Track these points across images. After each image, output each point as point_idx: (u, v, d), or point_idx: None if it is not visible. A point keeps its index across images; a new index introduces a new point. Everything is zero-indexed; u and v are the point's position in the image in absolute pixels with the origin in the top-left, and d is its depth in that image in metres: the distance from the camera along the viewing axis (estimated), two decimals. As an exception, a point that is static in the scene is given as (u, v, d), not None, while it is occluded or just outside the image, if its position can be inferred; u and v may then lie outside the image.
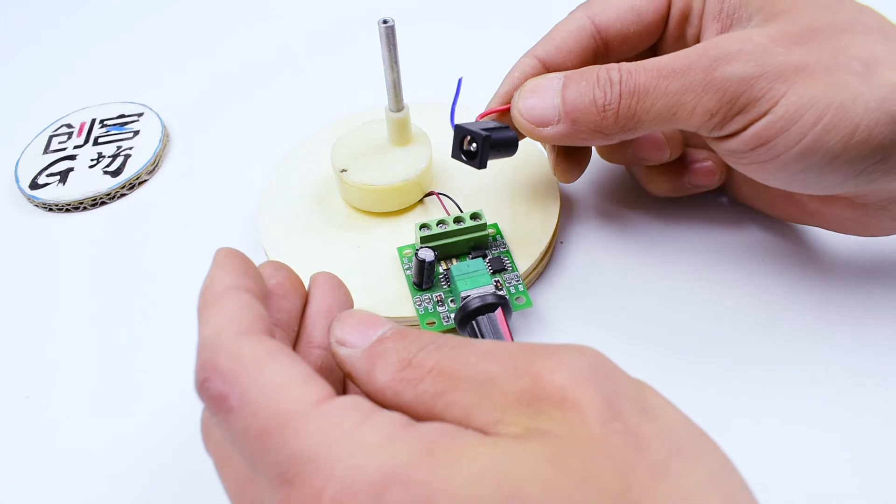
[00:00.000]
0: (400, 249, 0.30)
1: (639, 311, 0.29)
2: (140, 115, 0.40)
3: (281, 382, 0.16)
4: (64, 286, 0.33)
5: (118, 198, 0.37)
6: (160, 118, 0.40)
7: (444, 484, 0.14)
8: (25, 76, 0.46)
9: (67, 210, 0.36)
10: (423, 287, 0.28)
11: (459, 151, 0.27)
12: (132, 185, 0.37)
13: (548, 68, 0.28)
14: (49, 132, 0.40)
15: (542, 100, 0.26)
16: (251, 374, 0.16)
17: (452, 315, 0.28)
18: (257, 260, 0.31)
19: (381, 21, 0.27)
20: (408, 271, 0.29)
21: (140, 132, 0.39)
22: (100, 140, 0.39)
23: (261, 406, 0.16)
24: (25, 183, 0.37)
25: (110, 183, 0.37)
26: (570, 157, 0.30)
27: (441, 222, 0.29)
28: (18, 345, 0.31)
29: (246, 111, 0.41)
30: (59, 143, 0.39)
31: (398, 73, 0.29)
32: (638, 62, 0.24)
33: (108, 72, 0.45)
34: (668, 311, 0.29)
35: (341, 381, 0.22)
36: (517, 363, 0.16)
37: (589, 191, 0.34)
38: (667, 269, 0.31)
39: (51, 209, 0.36)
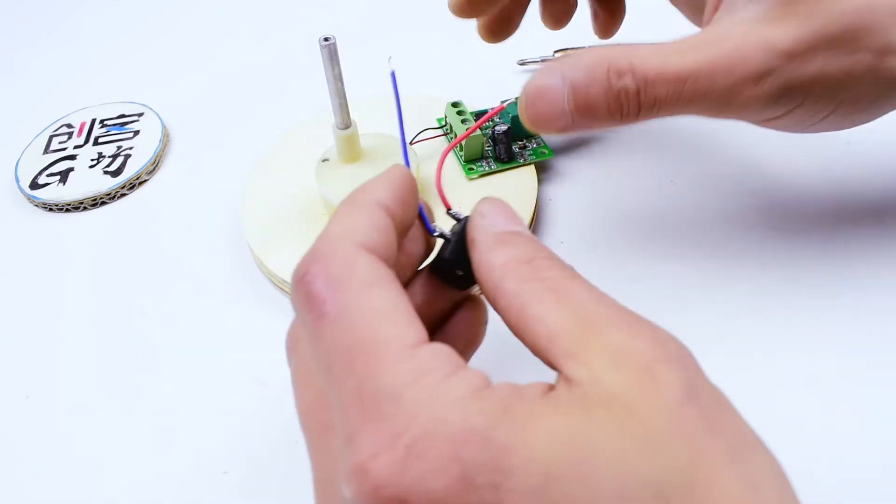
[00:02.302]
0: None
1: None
2: (140, 115, 0.40)
3: (384, 310, 0.16)
4: (64, 286, 0.33)
5: (118, 198, 0.37)
6: (160, 118, 0.40)
7: (520, 445, 0.14)
8: (26, 76, 0.46)
9: (67, 210, 0.36)
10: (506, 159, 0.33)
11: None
12: (132, 185, 0.37)
13: None
14: (49, 132, 0.40)
15: (552, 107, 0.24)
16: (357, 290, 0.16)
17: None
18: (247, 260, 0.32)
19: (322, 39, 0.26)
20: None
21: (140, 132, 0.39)
22: (100, 140, 0.39)
23: (357, 325, 0.16)
24: (25, 183, 0.37)
25: (110, 183, 0.37)
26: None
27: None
28: (18, 345, 0.31)
29: (246, 111, 0.41)
30: (60, 143, 0.39)
31: (343, 89, 0.29)
32: (652, 60, 0.23)
33: (108, 72, 0.45)
34: (672, 314, 0.29)
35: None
36: (615, 321, 0.16)
37: (590, 192, 0.34)
38: (669, 272, 0.31)
39: (51, 209, 0.36)
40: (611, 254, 0.32)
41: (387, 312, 0.16)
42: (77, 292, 0.32)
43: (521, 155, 0.34)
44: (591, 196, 0.34)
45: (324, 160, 0.31)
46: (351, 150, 0.31)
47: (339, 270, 0.16)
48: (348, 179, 0.31)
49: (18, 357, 0.30)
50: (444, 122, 0.35)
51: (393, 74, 0.23)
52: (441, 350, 0.16)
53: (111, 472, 0.26)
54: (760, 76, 0.22)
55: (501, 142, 0.33)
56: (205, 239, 0.34)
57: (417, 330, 0.16)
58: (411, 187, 0.20)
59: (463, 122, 0.34)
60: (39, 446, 0.27)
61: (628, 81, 0.23)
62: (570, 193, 0.34)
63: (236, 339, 0.30)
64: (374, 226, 0.18)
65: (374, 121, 0.33)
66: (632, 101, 0.23)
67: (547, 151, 0.34)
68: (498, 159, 0.33)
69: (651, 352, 0.16)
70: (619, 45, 0.24)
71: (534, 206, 0.32)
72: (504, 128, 0.33)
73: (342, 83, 0.28)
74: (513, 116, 0.33)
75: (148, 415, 0.28)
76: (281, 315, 0.31)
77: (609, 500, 0.14)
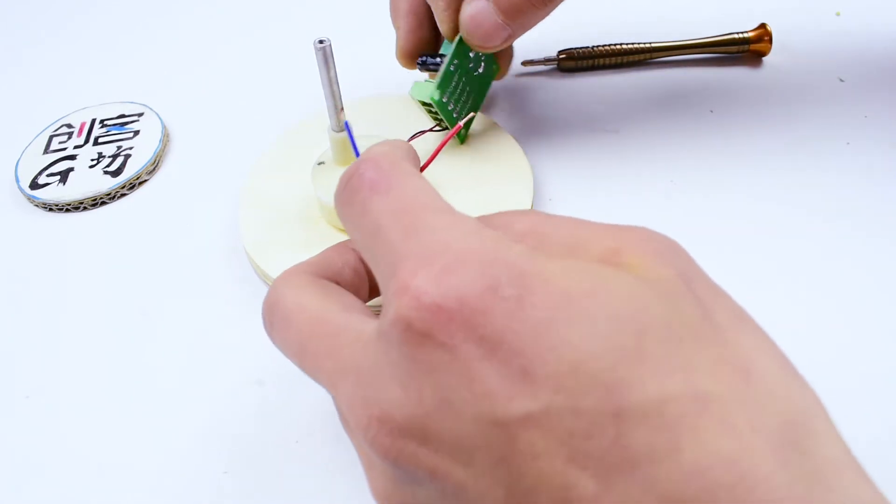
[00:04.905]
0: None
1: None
2: (140, 115, 0.40)
3: (427, 190, 0.19)
4: (64, 286, 0.33)
5: (118, 198, 0.37)
6: (160, 118, 0.40)
7: (540, 272, 0.16)
8: (26, 76, 0.46)
9: (67, 210, 0.36)
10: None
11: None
12: (132, 185, 0.37)
13: None
14: (49, 132, 0.40)
15: (488, 25, 0.30)
16: (404, 176, 0.19)
17: None
18: (247, 260, 0.32)
19: (317, 41, 0.26)
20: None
21: (140, 132, 0.39)
22: (100, 140, 0.39)
23: (405, 196, 0.18)
24: (25, 183, 0.37)
25: (110, 183, 0.37)
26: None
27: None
28: (18, 345, 0.31)
29: (247, 111, 0.41)
30: (60, 143, 0.39)
31: (338, 91, 0.28)
32: None
33: (108, 72, 0.45)
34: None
35: None
36: (607, 229, 0.18)
37: (590, 192, 0.34)
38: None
39: (51, 209, 0.37)
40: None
41: (429, 191, 0.19)
42: (77, 292, 0.33)
43: (478, 72, 0.34)
44: (590, 196, 0.34)
45: (319, 163, 0.31)
46: (346, 152, 0.31)
47: (388, 165, 0.19)
48: None
49: (18, 357, 0.30)
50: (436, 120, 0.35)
51: (347, 125, 0.28)
52: (474, 218, 0.18)
53: (111, 472, 0.26)
54: None
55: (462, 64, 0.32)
56: (205, 239, 0.34)
57: (453, 205, 0.19)
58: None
59: (438, 113, 0.33)
60: (39, 446, 0.27)
61: None
62: (570, 193, 0.34)
63: (236, 339, 0.30)
64: (407, 152, 0.21)
65: (369, 123, 0.33)
66: None
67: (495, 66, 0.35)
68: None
69: (645, 250, 0.17)
70: None
71: (531, 206, 0.32)
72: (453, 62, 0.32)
73: (337, 86, 0.28)
74: (456, 46, 0.32)
75: (148, 415, 0.28)
76: (281, 315, 0.31)
77: (626, 322, 0.15)
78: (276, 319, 0.20)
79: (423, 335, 0.16)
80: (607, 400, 0.14)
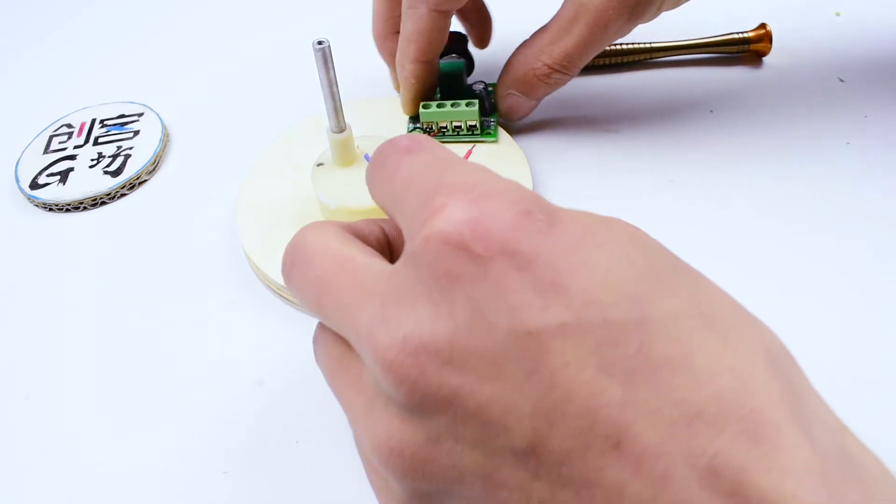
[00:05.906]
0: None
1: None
2: (140, 115, 0.40)
3: (456, 155, 0.20)
4: (64, 286, 0.33)
5: (118, 198, 0.37)
6: (160, 118, 0.40)
7: (564, 212, 0.18)
8: (26, 76, 0.46)
9: (67, 210, 0.36)
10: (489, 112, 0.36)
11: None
12: (132, 185, 0.37)
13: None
14: (49, 132, 0.40)
15: (521, 110, 0.35)
16: (437, 143, 0.20)
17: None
18: (247, 260, 0.32)
19: (316, 43, 0.26)
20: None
21: (140, 132, 0.39)
22: (100, 140, 0.39)
23: (435, 154, 0.19)
24: (25, 183, 0.37)
25: (110, 183, 0.37)
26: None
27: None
28: (18, 345, 0.31)
29: (247, 111, 0.41)
30: (60, 143, 0.39)
31: (338, 93, 0.28)
32: (539, 39, 0.33)
33: (108, 72, 0.45)
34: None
35: None
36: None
37: (590, 192, 0.34)
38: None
39: (51, 209, 0.37)
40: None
41: (458, 156, 0.20)
42: (77, 292, 0.33)
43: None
44: (591, 196, 0.34)
45: (318, 164, 0.31)
46: (346, 153, 0.31)
47: (422, 137, 0.20)
48: (344, 183, 0.31)
49: (18, 357, 0.30)
50: (419, 124, 0.35)
51: (367, 157, 0.30)
52: None
53: (111, 472, 0.26)
54: (629, 13, 0.32)
55: (488, 98, 0.36)
56: (205, 239, 0.34)
57: None
58: None
59: (453, 106, 0.34)
60: (39, 446, 0.27)
61: (542, 70, 0.33)
62: (570, 193, 0.34)
63: (236, 339, 0.30)
64: None
65: (368, 123, 0.33)
66: (558, 77, 0.34)
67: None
68: (487, 113, 0.36)
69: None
70: (527, 48, 0.34)
71: None
72: (482, 84, 0.36)
73: (337, 87, 0.28)
74: (452, 72, 0.35)
75: (148, 414, 0.28)
76: (280, 316, 0.31)
77: (639, 250, 0.17)
78: (297, 259, 0.20)
79: (459, 247, 0.16)
80: (633, 310, 0.16)
